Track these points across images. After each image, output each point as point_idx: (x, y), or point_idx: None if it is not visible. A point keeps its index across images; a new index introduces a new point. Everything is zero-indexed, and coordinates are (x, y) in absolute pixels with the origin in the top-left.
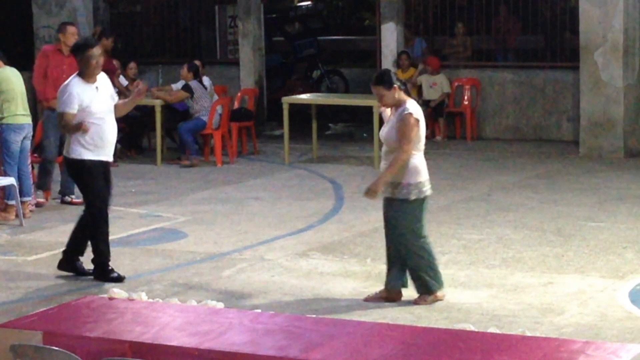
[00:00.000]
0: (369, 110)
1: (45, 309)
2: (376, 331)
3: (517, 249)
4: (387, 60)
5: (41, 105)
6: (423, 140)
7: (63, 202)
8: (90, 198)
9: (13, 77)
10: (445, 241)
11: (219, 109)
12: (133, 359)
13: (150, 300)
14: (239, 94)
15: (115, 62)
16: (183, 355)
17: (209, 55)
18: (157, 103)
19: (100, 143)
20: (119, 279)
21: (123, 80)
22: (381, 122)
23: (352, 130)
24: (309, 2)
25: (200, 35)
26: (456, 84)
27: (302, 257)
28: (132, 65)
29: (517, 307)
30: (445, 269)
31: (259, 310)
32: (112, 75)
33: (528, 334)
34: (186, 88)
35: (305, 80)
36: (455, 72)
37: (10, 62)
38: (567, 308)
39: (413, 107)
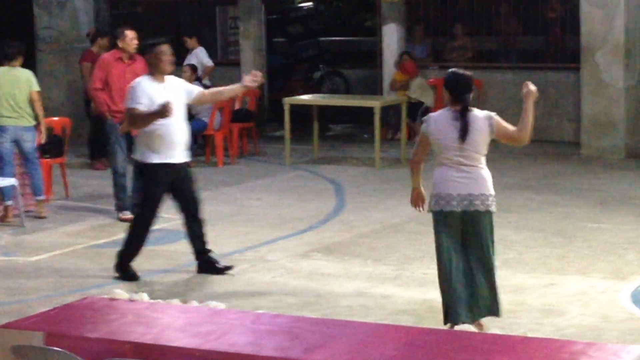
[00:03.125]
0: (369, 111)
1: (46, 309)
2: (378, 332)
3: (518, 250)
4: (388, 62)
5: (103, 115)
6: (442, 152)
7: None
8: (143, 198)
9: (4, 78)
10: None
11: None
12: (134, 359)
13: (152, 301)
14: (239, 95)
15: None
16: (184, 356)
17: (210, 56)
18: None
19: (166, 145)
20: (134, 278)
21: None
22: (382, 123)
23: (353, 131)
24: (309, 3)
25: (201, 36)
26: None
27: (303, 258)
28: None
29: (518, 308)
30: None
31: (261, 311)
32: None
33: (529, 335)
34: None
35: (306, 81)
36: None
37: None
38: (569, 309)
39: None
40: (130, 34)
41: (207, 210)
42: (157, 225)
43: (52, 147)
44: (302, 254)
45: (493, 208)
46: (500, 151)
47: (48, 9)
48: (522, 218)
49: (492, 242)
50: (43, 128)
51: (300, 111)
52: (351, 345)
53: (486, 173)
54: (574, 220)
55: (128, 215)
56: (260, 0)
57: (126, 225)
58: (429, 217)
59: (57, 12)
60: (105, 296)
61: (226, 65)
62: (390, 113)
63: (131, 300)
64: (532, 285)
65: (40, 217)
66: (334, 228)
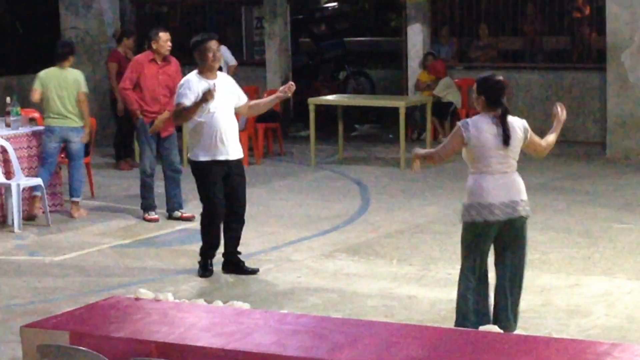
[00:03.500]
0: (395, 111)
1: (71, 309)
2: (402, 332)
3: (543, 251)
4: (413, 62)
5: (134, 114)
6: (481, 159)
7: (171, 217)
8: (202, 200)
9: (53, 79)
10: None
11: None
12: (159, 359)
13: (177, 300)
14: (265, 95)
15: None
16: (209, 356)
17: (235, 57)
18: None
19: (215, 142)
20: (206, 274)
21: None
22: (407, 123)
23: (378, 131)
24: (335, 3)
25: (226, 37)
26: None
27: (328, 258)
28: None
29: (543, 309)
30: None
31: (285, 311)
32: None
33: (554, 335)
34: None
35: (332, 82)
36: (481, 74)
37: (38, 63)
38: (594, 310)
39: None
40: (164, 36)
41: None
42: (181, 225)
43: None
44: (327, 254)
45: (530, 213)
46: (525, 152)
47: (74, 9)
48: (547, 219)
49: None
50: (87, 129)
51: (325, 111)
52: (376, 346)
53: (520, 178)
54: (599, 220)
55: (153, 215)
56: (286, 0)
57: (150, 224)
58: (454, 218)
59: (83, 12)
60: (130, 296)
61: (251, 65)
62: (415, 113)
63: (156, 300)
64: (557, 286)
65: (71, 217)
66: (359, 228)
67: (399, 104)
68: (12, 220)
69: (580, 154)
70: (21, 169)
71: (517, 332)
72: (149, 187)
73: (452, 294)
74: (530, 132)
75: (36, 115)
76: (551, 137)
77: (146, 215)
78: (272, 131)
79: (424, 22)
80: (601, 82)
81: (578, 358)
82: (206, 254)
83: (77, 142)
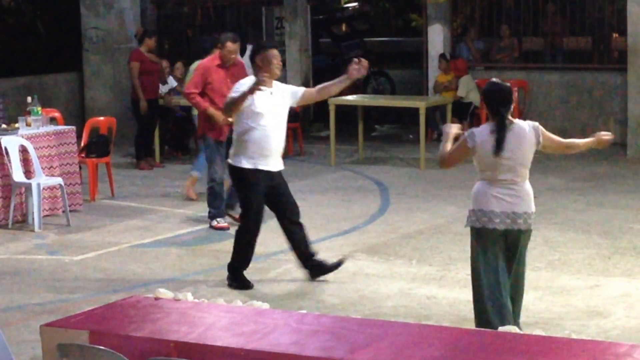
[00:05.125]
0: (415, 111)
1: (91, 308)
2: (422, 333)
3: (563, 252)
4: (434, 62)
5: (207, 112)
6: (485, 167)
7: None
8: (243, 208)
9: None
10: None
11: None
12: (178, 358)
13: (196, 300)
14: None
15: (164, 63)
16: (229, 356)
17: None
18: None
19: (262, 151)
20: (248, 287)
21: (172, 81)
22: (427, 124)
23: (398, 131)
24: (355, 4)
25: (247, 37)
26: None
27: (347, 258)
28: (179, 65)
29: (563, 309)
30: None
31: (305, 311)
32: (156, 75)
33: (574, 336)
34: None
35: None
36: (502, 74)
37: (59, 63)
38: (614, 311)
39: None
40: (231, 47)
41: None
42: (201, 225)
43: (98, 146)
44: (346, 254)
45: (532, 227)
46: (545, 152)
47: (95, 9)
48: (568, 219)
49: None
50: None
51: (345, 111)
52: (395, 346)
53: (529, 188)
54: (619, 221)
55: (223, 223)
56: (306, 0)
57: (169, 224)
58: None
59: (103, 12)
60: (150, 295)
61: None
62: (435, 114)
63: (175, 300)
64: (577, 287)
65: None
66: (378, 228)
67: (419, 104)
68: (33, 219)
69: (601, 155)
70: (41, 168)
71: (536, 332)
72: (219, 195)
73: (471, 294)
74: (543, 132)
75: (57, 115)
76: (579, 141)
77: (215, 223)
78: (292, 131)
79: (444, 23)
80: (622, 82)
81: (598, 359)
82: (240, 266)
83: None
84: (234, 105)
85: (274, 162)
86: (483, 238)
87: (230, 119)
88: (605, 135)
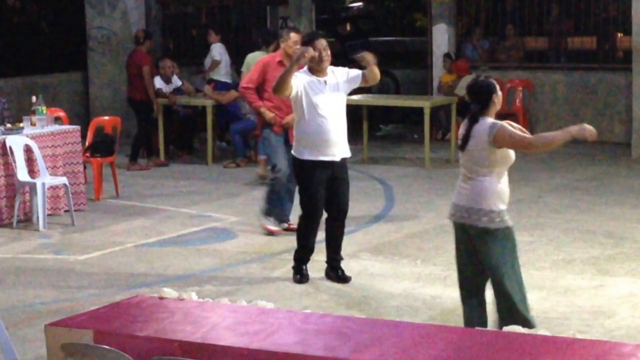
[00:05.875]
0: (420, 111)
1: (95, 308)
2: (426, 332)
3: (567, 251)
4: (438, 62)
5: (258, 111)
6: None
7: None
8: (302, 201)
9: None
10: None
11: None
12: (183, 358)
13: (201, 300)
14: None
15: (168, 62)
16: (233, 355)
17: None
18: (209, 103)
19: (320, 142)
20: (302, 280)
21: (177, 81)
22: (431, 123)
23: (402, 131)
24: (360, 3)
25: (251, 36)
26: (508, 85)
27: (352, 257)
28: (169, 62)
29: (567, 309)
30: None
31: (309, 311)
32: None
33: (578, 336)
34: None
35: None
36: (507, 74)
37: (64, 63)
38: (618, 311)
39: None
40: (294, 37)
41: (256, 209)
42: (206, 224)
43: (103, 146)
44: (351, 253)
45: (494, 225)
46: (550, 152)
47: (99, 8)
48: (572, 219)
49: (503, 264)
50: None
51: (349, 111)
52: (399, 346)
53: (487, 186)
54: (624, 221)
55: (271, 225)
56: (311, 0)
57: (175, 224)
58: None
59: (108, 12)
60: (154, 295)
61: None
62: (440, 113)
63: (180, 299)
64: (582, 287)
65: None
66: (383, 228)
67: (424, 104)
68: (37, 219)
69: (606, 155)
70: (46, 168)
71: (541, 332)
72: (278, 193)
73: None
74: (498, 131)
75: (61, 114)
76: (548, 134)
77: (264, 222)
78: None
79: (449, 22)
80: (627, 82)
81: (602, 359)
82: (301, 258)
83: None
84: (281, 83)
85: (337, 151)
86: (454, 231)
87: (288, 119)
88: (590, 131)
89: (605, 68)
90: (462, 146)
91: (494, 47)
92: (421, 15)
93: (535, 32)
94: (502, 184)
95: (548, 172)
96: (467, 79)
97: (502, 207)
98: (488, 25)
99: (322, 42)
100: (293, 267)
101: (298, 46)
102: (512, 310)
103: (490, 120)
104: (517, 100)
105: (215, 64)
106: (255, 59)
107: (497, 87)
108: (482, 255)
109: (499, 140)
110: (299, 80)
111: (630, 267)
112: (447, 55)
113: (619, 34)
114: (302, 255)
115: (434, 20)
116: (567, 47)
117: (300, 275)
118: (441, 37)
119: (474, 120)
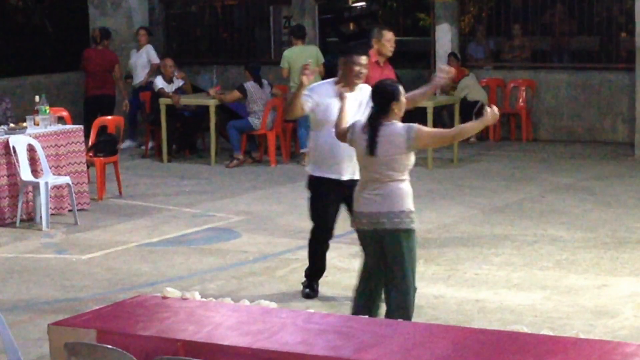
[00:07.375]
0: (422, 111)
1: (98, 307)
2: (429, 332)
3: (571, 251)
4: (441, 61)
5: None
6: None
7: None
8: (311, 216)
9: (300, 54)
10: (498, 242)
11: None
12: (186, 357)
13: (204, 299)
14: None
15: (169, 62)
16: (236, 355)
17: (263, 56)
18: (212, 103)
19: (331, 159)
20: (310, 296)
21: (178, 80)
22: (434, 123)
23: None
24: (363, 3)
25: (254, 36)
26: (511, 85)
27: (355, 257)
28: (170, 62)
29: (570, 309)
30: (499, 271)
31: (312, 310)
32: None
33: (582, 336)
34: (241, 89)
35: None
36: (510, 73)
37: (67, 62)
38: (622, 311)
39: None
40: (388, 35)
41: (260, 209)
42: (209, 224)
43: (106, 145)
44: (354, 253)
45: (404, 225)
46: (553, 152)
47: (102, 8)
48: (575, 219)
49: (410, 261)
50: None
51: None
52: (402, 345)
53: (403, 188)
54: (627, 221)
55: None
56: None
57: (177, 223)
58: (481, 218)
59: (111, 11)
60: (157, 294)
61: (279, 64)
62: (443, 113)
63: (183, 299)
64: (585, 287)
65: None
66: None
67: (427, 103)
68: (40, 218)
69: (609, 154)
70: (49, 167)
71: (544, 332)
72: None
73: (480, 293)
74: (417, 134)
75: (64, 114)
76: (466, 125)
77: None
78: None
79: (452, 22)
80: (630, 82)
81: (605, 359)
82: (312, 275)
83: None
84: (291, 108)
85: (343, 171)
86: (360, 241)
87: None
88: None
89: (608, 68)
90: (372, 152)
91: (500, 47)
92: (424, 15)
93: (538, 32)
94: (409, 185)
95: (551, 171)
96: (467, 80)
97: (413, 207)
98: (491, 25)
99: (359, 60)
100: (302, 283)
101: (394, 44)
102: (407, 302)
103: (399, 124)
104: (520, 100)
105: (155, 66)
106: (293, 54)
107: (402, 94)
108: (391, 253)
109: (420, 142)
110: (318, 93)
111: (634, 267)
112: (452, 55)
113: (622, 34)
114: (312, 272)
115: (437, 20)
116: (571, 47)
117: (309, 289)
118: (444, 37)
119: (377, 125)
